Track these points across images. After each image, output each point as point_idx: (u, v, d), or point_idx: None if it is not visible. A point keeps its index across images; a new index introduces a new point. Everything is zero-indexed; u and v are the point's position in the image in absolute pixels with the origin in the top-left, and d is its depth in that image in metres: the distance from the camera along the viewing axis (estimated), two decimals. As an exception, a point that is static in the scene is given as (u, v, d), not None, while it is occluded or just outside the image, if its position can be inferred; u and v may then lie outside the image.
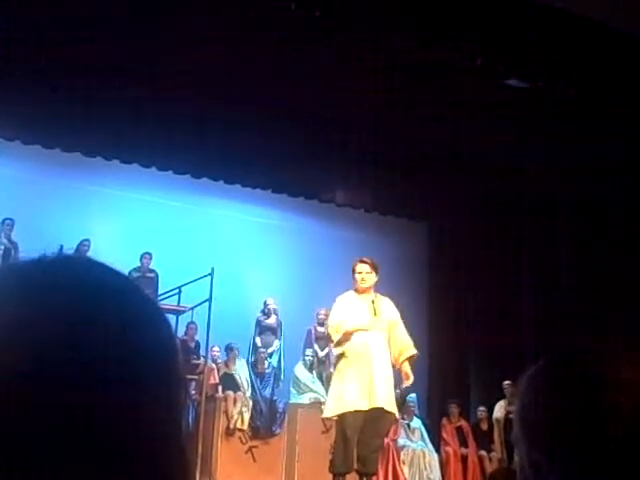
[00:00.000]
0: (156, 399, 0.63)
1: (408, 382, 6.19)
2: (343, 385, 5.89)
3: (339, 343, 6.09)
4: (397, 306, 6.38)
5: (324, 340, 9.65)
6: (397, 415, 6.29)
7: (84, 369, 0.59)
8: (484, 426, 10.45)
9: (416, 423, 10.23)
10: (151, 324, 0.66)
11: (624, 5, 7.96)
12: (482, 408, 10.60)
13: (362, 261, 6.18)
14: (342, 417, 5.89)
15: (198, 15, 8.16)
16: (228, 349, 9.65)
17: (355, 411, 5.80)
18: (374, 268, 6.14)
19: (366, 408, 5.79)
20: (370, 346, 5.94)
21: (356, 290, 6.17)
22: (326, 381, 9.15)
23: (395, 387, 6.22)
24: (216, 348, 9.61)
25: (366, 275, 6.10)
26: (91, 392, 0.59)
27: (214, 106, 9.70)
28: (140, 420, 0.61)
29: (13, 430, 0.58)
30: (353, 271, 6.16)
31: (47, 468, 0.58)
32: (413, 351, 6.18)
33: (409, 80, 9.07)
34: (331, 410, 6.04)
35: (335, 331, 6.11)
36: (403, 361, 6.11)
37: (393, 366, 6.10)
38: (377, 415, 5.83)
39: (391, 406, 5.96)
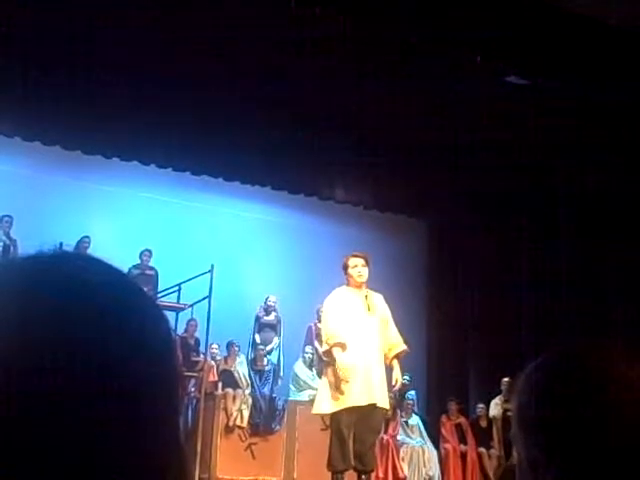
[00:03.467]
0: (154, 395, 0.63)
1: (397, 386, 6.15)
2: (340, 381, 5.84)
3: (328, 353, 6.01)
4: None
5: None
6: (389, 411, 6.24)
7: (82, 365, 0.60)
8: (483, 423, 10.47)
9: (414, 420, 10.24)
10: (149, 321, 0.66)
11: (624, 2, 7.96)
12: (481, 405, 10.61)
13: (355, 255, 6.07)
14: (337, 414, 5.85)
15: (198, 12, 8.16)
16: (229, 345, 9.65)
17: (350, 407, 5.77)
18: (366, 261, 6.06)
19: (364, 404, 5.77)
20: (366, 342, 5.91)
21: (350, 284, 6.06)
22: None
23: (389, 390, 6.17)
24: (215, 345, 9.61)
25: (362, 269, 6.00)
26: (89, 388, 0.59)
27: (214, 103, 9.70)
28: (137, 416, 0.61)
29: (10, 425, 0.58)
30: (346, 266, 6.03)
31: (45, 464, 0.58)
32: (403, 347, 6.13)
33: (408, 77, 9.07)
34: (328, 407, 5.96)
35: (327, 340, 6.02)
36: (393, 357, 6.07)
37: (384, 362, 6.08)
38: (370, 410, 5.81)
39: (385, 402, 5.95)
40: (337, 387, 5.83)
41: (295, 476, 8.89)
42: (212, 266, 9.09)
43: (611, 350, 1.03)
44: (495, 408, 10.21)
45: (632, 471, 0.94)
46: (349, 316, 5.94)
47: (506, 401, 9.65)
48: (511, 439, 1.07)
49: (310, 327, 10.30)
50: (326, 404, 5.97)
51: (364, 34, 8.40)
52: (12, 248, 9.17)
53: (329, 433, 6.06)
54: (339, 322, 5.92)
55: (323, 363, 9.93)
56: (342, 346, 5.83)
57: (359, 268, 6.01)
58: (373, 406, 5.79)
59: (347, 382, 5.75)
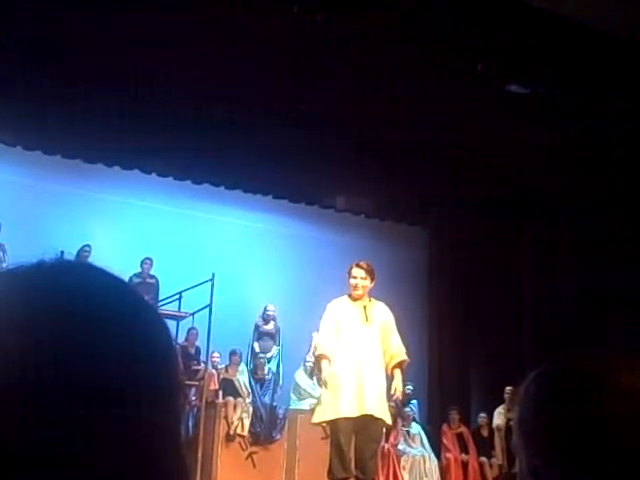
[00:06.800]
0: (154, 403, 0.63)
1: (396, 395, 6.13)
2: (334, 391, 5.85)
3: (315, 363, 6.03)
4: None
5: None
6: (388, 422, 6.19)
7: (83, 373, 0.60)
8: (485, 432, 10.44)
9: (415, 429, 10.22)
10: (150, 330, 0.66)
11: (624, 11, 7.98)
12: (483, 414, 10.58)
13: (358, 265, 6.04)
14: (334, 423, 5.86)
15: (199, 18, 8.17)
16: (232, 354, 9.64)
17: (346, 417, 5.78)
18: (369, 273, 6.01)
19: (356, 415, 5.77)
20: (361, 353, 5.91)
21: (349, 296, 6.10)
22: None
23: (389, 399, 6.16)
24: (216, 354, 9.61)
25: (360, 281, 5.98)
26: (90, 398, 0.59)
27: (215, 112, 9.71)
28: (138, 424, 0.61)
29: (10, 428, 0.58)
30: (349, 275, 6.05)
31: (45, 470, 0.58)
32: (403, 357, 6.11)
33: (410, 85, 9.08)
34: (321, 416, 6.00)
35: (314, 351, 6.04)
36: (393, 367, 6.07)
37: (385, 371, 6.07)
38: (367, 421, 5.81)
39: (381, 413, 5.90)
40: (330, 397, 5.85)
41: (296, 485, 8.87)
42: (213, 275, 9.09)
43: (612, 359, 1.03)
44: (499, 417, 10.18)
45: (633, 480, 0.93)
46: (344, 327, 5.95)
47: (509, 410, 9.63)
48: (512, 448, 1.07)
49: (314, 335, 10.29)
50: (319, 414, 6.01)
51: (365, 42, 8.42)
52: (1, 253, 9.16)
53: (330, 442, 6.06)
54: (330, 334, 5.95)
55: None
56: (327, 358, 5.85)
57: (357, 280, 6.01)
58: (370, 417, 5.79)
59: (334, 392, 5.77)
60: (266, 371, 9.81)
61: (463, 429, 10.50)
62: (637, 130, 9.05)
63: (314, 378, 9.90)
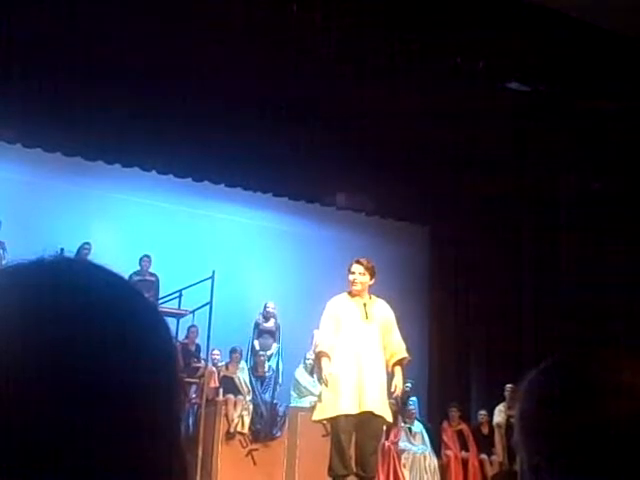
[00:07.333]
0: (154, 401, 0.63)
1: (396, 393, 6.13)
2: (334, 389, 5.86)
3: (315, 360, 6.04)
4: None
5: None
6: (389, 419, 6.19)
7: (82, 370, 0.59)
8: (485, 430, 10.44)
9: (417, 427, 10.22)
10: (150, 328, 0.66)
11: (625, 9, 7.97)
12: (483, 412, 10.58)
13: (358, 262, 6.04)
14: (335, 420, 5.87)
15: (200, 19, 8.17)
16: (232, 351, 9.64)
17: (346, 415, 5.78)
18: (368, 270, 6.00)
19: (356, 412, 5.77)
20: (361, 350, 5.91)
21: (349, 293, 6.11)
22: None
23: (389, 396, 6.17)
24: (216, 351, 9.61)
25: (359, 276, 5.97)
26: (90, 396, 0.59)
27: (215, 109, 9.71)
28: (138, 421, 0.61)
29: (10, 428, 0.58)
30: (348, 271, 6.06)
31: (45, 469, 0.58)
32: (404, 354, 6.11)
33: (411, 83, 9.08)
34: (321, 413, 6.01)
35: (314, 348, 6.03)
36: (394, 364, 6.07)
37: (385, 369, 6.08)
38: (367, 418, 5.81)
39: (381, 410, 5.90)
40: (330, 395, 5.86)
41: (296, 483, 8.87)
42: (213, 272, 9.09)
43: (613, 358, 1.03)
44: (499, 415, 10.18)
45: (633, 478, 0.93)
46: (343, 324, 5.96)
47: (510, 408, 9.63)
48: (513, 446, 1.07)
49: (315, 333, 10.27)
50: (320, 411, 6.02)
51: (366, 40, 8.42)
52: (1, 251, 9.16)
53: (330, 439, 6.07)
54: (329, 331, 5.95)
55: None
56: (326, 355, 5.86)
57: (355, 275, 6.01)
58: (370, 414, 5.79)
59: (335, 390, 5.78)
60: (266, 368, 9.81)
61: (463, 426, 10.50)
62: (637, 128, 9.05)
63: (314, 376, 9.90)
